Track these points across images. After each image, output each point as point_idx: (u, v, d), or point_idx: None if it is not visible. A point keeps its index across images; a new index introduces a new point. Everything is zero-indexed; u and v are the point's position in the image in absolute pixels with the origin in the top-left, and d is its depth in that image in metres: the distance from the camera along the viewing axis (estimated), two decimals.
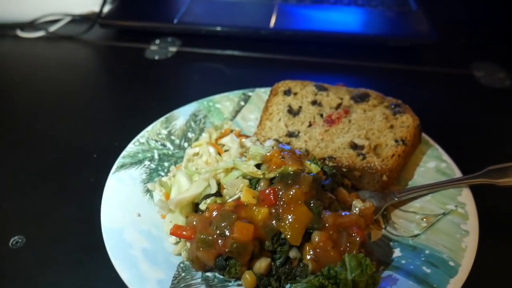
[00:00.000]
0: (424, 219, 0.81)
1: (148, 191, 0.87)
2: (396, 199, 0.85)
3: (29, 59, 1.46)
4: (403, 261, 0.74)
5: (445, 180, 0.85)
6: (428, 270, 0.70)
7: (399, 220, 0.83)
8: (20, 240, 0.85)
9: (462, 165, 0.89)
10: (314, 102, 1.00)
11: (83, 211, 0.89)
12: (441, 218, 0.79)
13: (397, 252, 0.77)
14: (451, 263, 0.70)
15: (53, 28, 1.56)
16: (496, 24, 1.62)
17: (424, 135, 0.95)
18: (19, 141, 1.11)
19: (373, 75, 1.33)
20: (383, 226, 0.83)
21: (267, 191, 0.75)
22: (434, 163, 0.90)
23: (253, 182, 0.79)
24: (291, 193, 0.73)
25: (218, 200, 0.78)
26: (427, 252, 0.74)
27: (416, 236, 0.78)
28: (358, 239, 0.70)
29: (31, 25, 1.57)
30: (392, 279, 0.70)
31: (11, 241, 0.85)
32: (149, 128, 0.99)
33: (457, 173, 0.87)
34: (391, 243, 0.79)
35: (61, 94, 1.29)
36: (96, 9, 1.54)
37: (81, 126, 1.16)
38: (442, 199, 0.83)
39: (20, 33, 1.55)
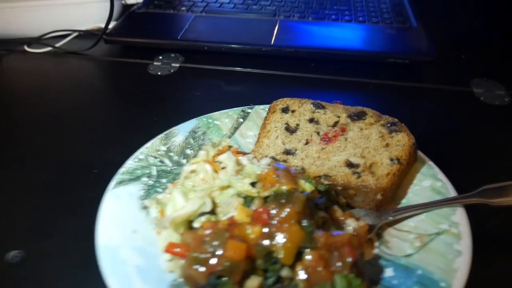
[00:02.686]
0: (418, 239, 0.81)
1: (145, 207, 0.88)
2: (390, 218, 0.85)
3: (35, 73, 1.49)
4: (395, 281, 0.74)
5: (440, 199, 0.86)
6: None
7: (393, 239, 0.84)
8: (18, 255, 0.87)
9: (459, 183, 0.89)
10: (311, 120, 1.01)
11: (81, 227, 0.90)
12: (435, 238, 0.79)
13: (389, 272, 0.77)
14: (443, 284, 0.70)
15: (59, 44, 1.59)
16: (496, 41, 1.63)
17: (420, 153, 0.96)
18: (21, 156, 1.13)
19: (372, 92, 1.34)
20: (377, 245, 0.83)
21: (260, 209, 0.76)
22: (429, 182, 0.91)
23: (247, 201, 0.80)
24: (284, 212, 0.74)
25: (213, 218, 0.79)
26: (419, 272, 0.74)
27: (409, 255, 0.79)
28: (349, 259, 0.71)
29: (38, 41, 1.60)
30: None
31: (9, 256, 0.86)
32: (148, 144, 1.01)
33: (452, 192, 0.87)
34: (384, 262, 0.79)
35: (65, 109, 1.31)
36: (102, 25, 1.57)
37: (83, 141, 1.18)
38: (436, 218, 0.83)
39: (27, 48, 1.58)
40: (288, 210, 0.74)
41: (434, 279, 0.72)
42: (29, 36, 1.62)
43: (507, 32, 1.68)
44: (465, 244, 0.76)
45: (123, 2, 1.77)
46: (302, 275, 0.71)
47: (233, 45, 1.46)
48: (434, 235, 0.80)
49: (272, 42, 1.45)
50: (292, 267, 0.72)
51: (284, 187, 0.78)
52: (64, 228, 0.92)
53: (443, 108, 1.28)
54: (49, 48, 1.58)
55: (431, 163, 0.94)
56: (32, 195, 1.01)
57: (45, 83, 1.45)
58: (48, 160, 1.11)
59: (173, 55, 1.52)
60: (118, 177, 0.92)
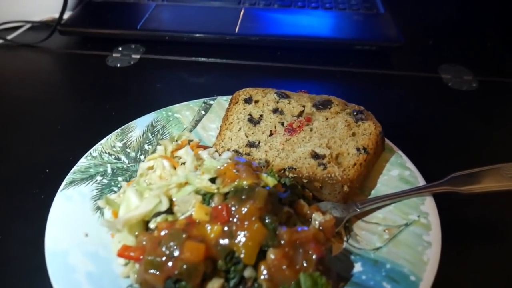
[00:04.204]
0: (387, 231, 0.78)
1: (99, 208, 0.82)
2: (358, 210, 0.82)
3: None
4: (364, 277, 0.71)
5: (408, 189, 0.83)
6: (389, 286, 0.67)
7: (362, 232, 0.80)
8: None
9: (428, 171, 0.86)
10: (275, 110, 0.97)
11: (30, 231, 0.83)
12: (404, 230, 0.76)
13: (358, 267, 0.73)
14: (412, 278, 0.67)
15: (11, 36, 1.49)
16: (464, 27, 1.62)
17: (388, 141, 0.93)
18: None
19: (340, 79, 1.31)
20: (345, 239, 0.80)
21: (219, 207, 0.71)
22: (397, 171, 0.88)
23: (206, 198, 0.75)
24: (245, 209, 0.69)
25: (169, 218, 0.74)
26: (388, 266, 0.71)
27: (378, 249, 0.75)
28: (314, 256, 0.67)
29: None
30: None
31: None
32: (103, 141, 0.95)
33: (421, 181, 0.84)
34: (352, 257, 0.76)
35: (17, 104, 1.23)
36: (57, 15, 1.48)
37: (36, 139, 1.10)
38: (405, 209, 0.80)
39: None
40: (248, 206, 0.69)
41: (403, 273, 0.68)
42: None
43: (475, 18, 1.67)
44: (434, 235, 0.73)
45: None
46: (265, 274, 0.66)
47: (195, 35, 1.40)
48: (403, 227, 0.77)
49: (237, 31, 1.40)
50: (255, 266, 0.68)
51: (245, 182, 0.73)
52: (12, 233, 0.86)
53: (412, 95, 1.26)
54: (0, 41, 1.48)
55: (399, 151, 0.91)
56: None
57: None
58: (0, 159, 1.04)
59: (133, 46, 1.45)
60: (69, 176, 0.86)
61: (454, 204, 0.83)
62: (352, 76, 1.32)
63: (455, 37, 1.53)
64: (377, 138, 0.88)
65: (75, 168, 0.88)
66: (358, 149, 0.86)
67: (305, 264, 0.66)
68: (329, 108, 0.94)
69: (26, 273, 0.78)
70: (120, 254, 0.71)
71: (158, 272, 0.66)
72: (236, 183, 0.74)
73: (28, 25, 1.54)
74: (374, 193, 0.86)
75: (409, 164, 0.88)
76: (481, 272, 0.79)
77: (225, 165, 0.77)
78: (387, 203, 0.82)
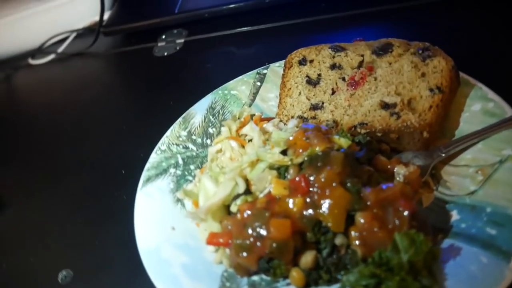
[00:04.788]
0: (479, 172, 0.72)
1: (179, 200, 0.83)
2: (443, 154, 0.76)
3: (44, 84, 1.47)
4: (463, 225, 0.66)
5: (495, 122, 0.75)
6: (493, 231, 0.62)
7: (451, 177, 0.75)
8: (67, 274, 0.85)
9: None
10: (333, 66, 0.91)
11: (120, 233, 0.87)
12: (499, 168, 0.70)
13: (454, 215, 0.69)
14: None
15: (61, 49, 1.54)
16: None
17: (462, 74, 0.84)
18: (47, 170, 1.11)
19: (396, 19, 1.20)
20: (434, 188, 0.75)
21: (297, 178, 0.69)
22: (479, 105, 0.80)
23: (281, 171, 0.73)
24: (323, 176, 0.67)
25: (249, 198, 0.73)
26: (488, 210, 0.65)
27: (473, 192, 0.70)
28: (406, 213, 0.63)
29: (40, 50, 1.56)
30: (454, 249, 0.63)
31: (59, 277, 0.85)
32: (168, 132, 0.95)
33: (509, 111, 0.76)
34: (446, 206, 0.71)
35: (80, 113, 1.28)
36: (98, 18, 1.50)
37: (105, 143, 1.14)
38: (496, 144, 0.73)
39: (31, 61, 1.54)
40: (326, 173, 0.66)
41: (508, 215, 0.63)
42: (30, 48, 1.57)
43: None
44: None
45: None
46: (357, 240, 0.64)
47: (234, 5, 1.35)
48: (497, 164, 0.70)
49: None
50: (346, 233, 0.66)
51: (318, 149, 0.71)
52: (104, 238, 0.90)
53: (478, 21, 1.12)
54: (52, 56, 1.53)
55: (478, 83, 0.82)
56: (66, 210, 0.99)
57: (56, 92, 1.42)
58: (73, 170, 1.09)
59: (175, 31, 1.44)
60: (144, 174, 0.88)
61: None
62: (410, 11, 1.20)
63: None
64: (450, 73, 0.80)
65: (148, 165, 0.89)
66: (431, 90, 0.80)
67: (397, 223, 0.63)
68: (391, 52, 0.87)
69: (125, 273, 0.82)
70: (209, 242, 0.71)
71: (249, 254, 0.66)
72: (309, 151, 0.71)
73: (74, 34, 1.57)
74: (457, 133, 0.80)
75: (492, 94, 0.80)
76: None
77: (294, 134, 0.74)
78: (474, 142, 0.75)
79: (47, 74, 1.51)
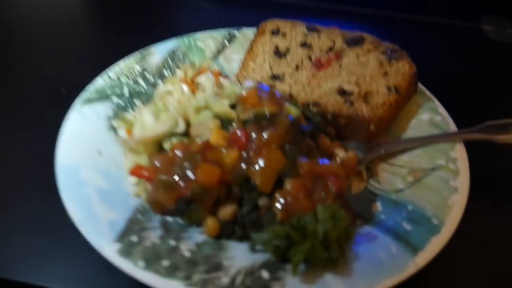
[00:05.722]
0: (411, 174, 0.74)
1: (113, 128, 0.79)
2: (383, 151, 0.78)
3: None
4: (383, 216, 0.68)
5: (438, 134, 0.78)
6: (409, 227, 0.64)
7: (384, 173, 0.77)
8: None
9: (459, 120, 0.81)
10: (303, 44, 0.91)
11: (43, 148, 0.81)
12: (429, 174, 0.72)
13: (377, 207, 0.70)
14: (435, 221, 0.64)
15: None
16: None
17: (420, 85, 0.87)
18: None
19: (375, 23, 1.23)
20: (366, 179, 0.76)
21: (238, 132, 0.67)
22: (428, 115, 0.82)
23: (225, 123, 0.71)
24: (265, 135, 0.66)
25: (185, 140, 0.71)
26: (410, 208, 0.67)
27: (400, 191, 0.72)
28: (333, 189, 0.63)
29: None
30: (369, 235, 0.64)
31: None
32: (121, 62, 0.91)
33: (452, 127, 0.79)
34: (372, 197, 0.72)
35: (42, 27, 1.20)
36: None
37: (54, 62, 1.07)
38: (433, 153, 0.75)
39: None
40: (269, 133, 0.66)
41: (425, 215, 0.65)
42: None
43: None
44: (462, 181, 0.69)
45: None
46: (280, 204, 0.63)
47: None
48: (429, 171, 0.72)
49: None
50: (271, 195, 0.65)
51: (267, 110, 0.70)
52: (27, 148, 0.84)
53: (448, 43, 1.18)
54: None
55: (431, 96, 0.85)
56: None
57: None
58: (17, 80, 1.01)
59: None
60: (84, 94, 0.83)
61: (486, 154, 0.78)
62: (387, 20, 1.23)
63: None
64: (410, 78, 0.82)
65: (90, 87, 0.85)
66: (389, 89, 0.81)
67: (323, 195, 0.63)
68: (361, 45, 0.88)
69: (36, 187, 0.77)
70: (133, 172, 0.69)
71: (170, 192, 0.64)
72: (257, 109, 0.70)
73: None
74: (402, 136, 0.81)
75: (441, 109, 0.82)
76: (509, 224, 0.75)
77: (248, 91, 0.73)
78: (414, 146, 0.77)
79: None
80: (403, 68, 0.83)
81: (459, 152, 0.74)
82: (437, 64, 1.08)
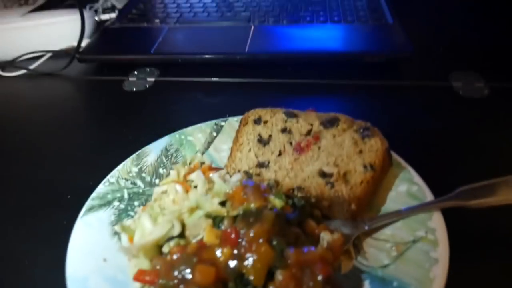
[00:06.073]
0: (395, 248, 0.79)
1: (116, 234, 0.86)
2: (366, 227, 0.83)
3: (9, 97, 1.48)
4: None
5: (415, 205, 0.83)
6: None
7: (370, 249, 0.82)
8: None
9: (437, 184, 0.87)
10: (284, 130, 0.99)
11: (53, 257, 0.87)
12: (411, 246, 0.77)
13: (366, 285, 0.75)
14: None
15: (33, 66, 1.57)
16: (473, 33, 1.60)
17: (396, 156, 0.93)
18: None
19: (349, 93, 1.32)
20: (354, 257, 0.81)
21: (228, 230, 0.73)
22: (405, 187, 0.88)
23: (217, 221, 0.78)
24: (252, 232, 0.72)
25: (182, 242, 0.77)
26: (395, 284, 0.72)
27: (385, 266, 0.77)
28: (320, 277, 0.68)
29: (11, 64, 1.58)
30: None
31: None
32: (119, 166, 0.99)
33: (429, 196, 0.85)
34: (361, 275, 0.77)
35: (38, 132, 1.30)
36: (76, 43, 1.55)
37: (57, 166, 1.16)
38: (413, 225, 0.81)
39: (1, 73, 1.56)
40: (255, 229, 0.72)
41: None
42: (2, 60, 1.60)
43: (484, 24, 1.66)
44: (441, 251, 0.74)
45: (96, 18, 1.75)
46: None
47: (206, 56, 1.44)
48: (410, 243, 0.78)
49: (246, 50, 1.43)
50: (265, 287, 0.70)
51: (253, 205, 0.76)
52: (35, 259, 0.90)
53: (421, 105, 1.26)
54: (23, 71, 1.56)
55: (407, 166, 0.92)
56: (2, 222, 0.99)
57: (19, 107, 1.43)
58: (21, 188, 1.09)
59: (148, 70, 1.50)
60: (88, 203, 0.90)
61: (463, 218, 0.83)
62: (361, 88, 1.32)
63: (466, 44, 1.52)
64: (383, 154, 0.89)
65: (93, 194, 0.92)
66: (365, 166, 0.88)
67: (311, 285, 0.68)
68: (336, 126, 0.95)
69: None
70: (136, 278, 0.74)
71: None
72: (244, 206, 0.76)
73: (49, 54, 1.61)
74: (383, 209, 0.87)
75: (417, 178, 0.89)
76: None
77: (234, 189, 0.80)
78: (394, 220, 0.83)
79: (13, 88, 1.52)
80: (375, 145, 0.90)
81: (437, 221, 0.79)
82: (410, 126, 1.15)
